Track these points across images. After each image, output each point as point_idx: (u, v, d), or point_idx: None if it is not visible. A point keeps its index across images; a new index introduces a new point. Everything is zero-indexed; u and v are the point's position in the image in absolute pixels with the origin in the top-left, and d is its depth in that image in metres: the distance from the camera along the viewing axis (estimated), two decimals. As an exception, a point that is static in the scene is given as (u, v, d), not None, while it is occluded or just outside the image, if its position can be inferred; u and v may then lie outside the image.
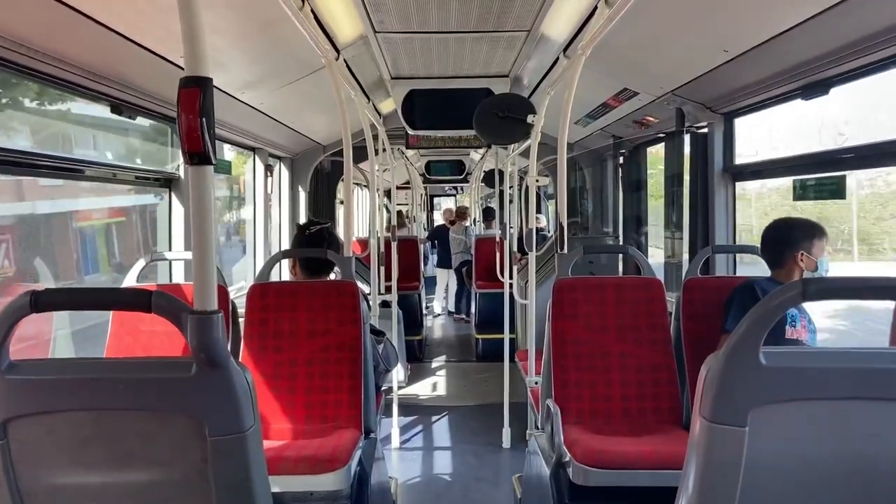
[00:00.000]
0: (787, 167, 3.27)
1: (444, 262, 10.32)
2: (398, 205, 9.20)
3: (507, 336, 5.24)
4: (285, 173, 5.84)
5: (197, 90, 1.15)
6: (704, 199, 3.68)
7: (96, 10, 2.12)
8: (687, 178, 3.89)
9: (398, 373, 5.17)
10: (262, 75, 3.53)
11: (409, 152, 7.86)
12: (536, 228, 3.65)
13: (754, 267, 3.11)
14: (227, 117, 3.93)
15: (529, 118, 3.46)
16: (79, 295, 1.45)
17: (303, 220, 5.64)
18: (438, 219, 15.41)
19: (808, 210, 3.41)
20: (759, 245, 2.81)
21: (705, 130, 3.66)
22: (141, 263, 3.07)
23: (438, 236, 10.59)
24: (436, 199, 18.72)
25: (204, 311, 1.18)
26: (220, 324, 1.20)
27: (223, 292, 2.91)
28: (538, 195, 7.44)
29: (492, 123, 3.64)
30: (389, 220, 5.42)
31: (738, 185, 3.71)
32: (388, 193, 8.16)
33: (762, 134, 3.58)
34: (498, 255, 6.55)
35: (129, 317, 2.92)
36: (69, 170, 3.03)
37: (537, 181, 3.51)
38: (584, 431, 2.54)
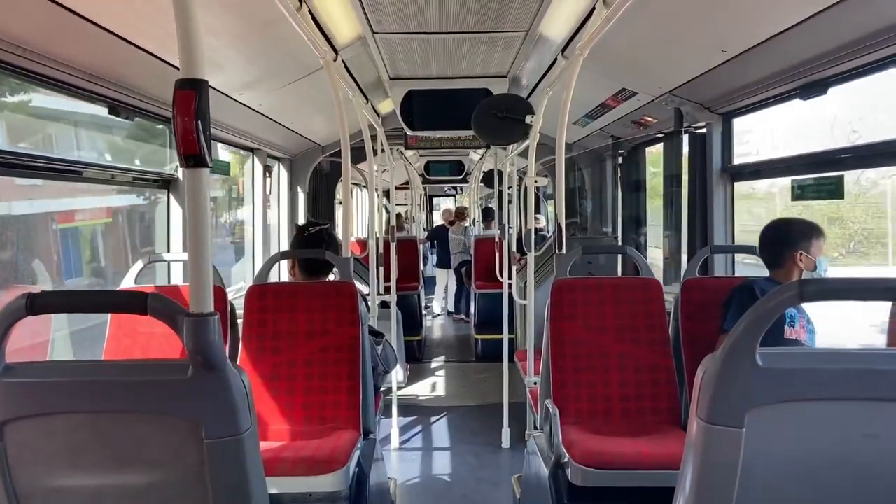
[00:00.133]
0: (785, 167, 3.27)
1: (443, 263, 10.32)
2: (397, 205, 9.21)
3: (506, 336, 5.24)
4: (284, 174, 5.84)
5: (192, 92, 1.15)
6: (703, 200, 3.68)
7: (94, 12, 2.11)
8: (685, 178, 3.90)
9: (397, 373, 5.17)
10: (261, 76, 3.53)
11: (409, 153, 7.86)
12: (535, 229, 3.65)
13: (759, 268, 3.09)
14: (226, 118, 3.93)
15: (528, 118, 3.46)
16: (75, 297, 1.45)
17: (302, 220, 5.64)
18: (437, 219, 15.40)
19: (823, 210, 3.36)
20: (757, 245, 2.80)
21: (704, 130, 3.66)
22: (139, 265, 3.07)
23: (438, 237, 10.59)
24: (435, 200, 18.71)
25: (200, 313, 1.18)
26: (217, 326, 1.20)
27: (221, 294, 2.90)
28: (537, 195, 7.46)
29: (490, 124, 3.64)
30: (388, 221, 5.42)
31: (748, 184, 3.68)
32: (386, 194, 8.15)
33: (774, 129, 3.53)
34: (497, 255, 6.55)
35: (127, 319, 2.92)
36: (68, 171, 3.03)
37: (536, 181, 3.51)
38: (583, 432, 2.54)
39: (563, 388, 2.76)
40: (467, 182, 11.85)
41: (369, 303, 3.60)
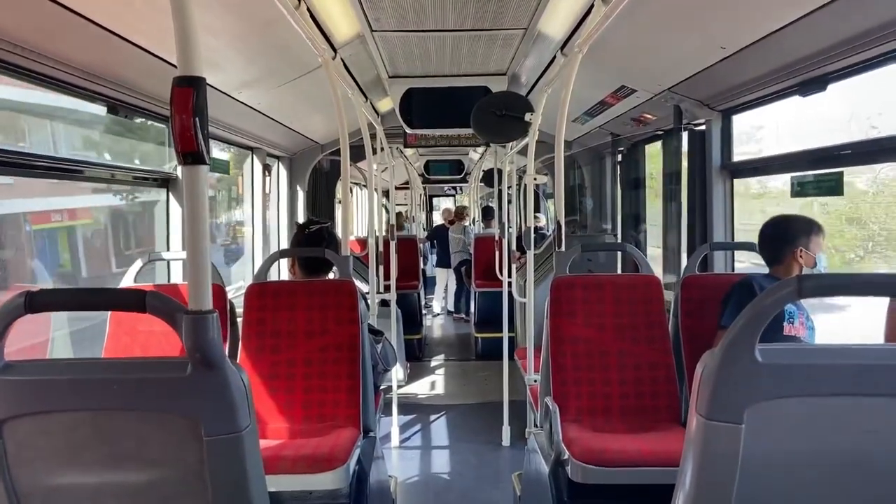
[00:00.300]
0: (785, 164, 3.26)
1: (443, 262, 10.32)
2: (397, 205, 9.21)
3: (506, 334, 5.24)
4: (283, 173, 5.84)
5: (190, 90, 1.15)
6: (702, 197, 3.68)
7: (92, 10, 2.11)
8: (685, 175, 3.89)
9: (397, 372, 5.17)
10: (260, 75, 3.53)
11: (408, 152, 7.85)
12: (535, 227, 3.65)
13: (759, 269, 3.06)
14: (225, 117, 3.93)
15: (527, 116, 3.46)
16: (74, 295, 1.45)
17: (301, 219, 5.64)
18: (437, 219, 15.41)
19: (841, 209, 3.28)
20: (756, 242, 2.80)
21: (703, 127, 3.66)
22: (138, 264, 3.07)
23: (438, 236, 10.59)
24: (435, 200, 18.71)
25: (199, 310, 1.18)
26: (216, 324, 1.20)
27: (220, 292, 2.91)
28: (537, 194, 7.46)
29: (489, 122, 3.64)
30: (388, 221, 5.42)
31: (760, 182, 3.65)
32: (386, 194, 8.15)
33: (787, 125, 3.44)
34: (497, 254, 6.56)
35: (126, 317, 2.92)
36: (67, 170, 3.03)
37: (536, 179, 3.51)
38: (583, 429, 2.54)
39: (563, 385, 2.76)
40: (467, 182, 11.85)
41: (369, 301, 3.60)
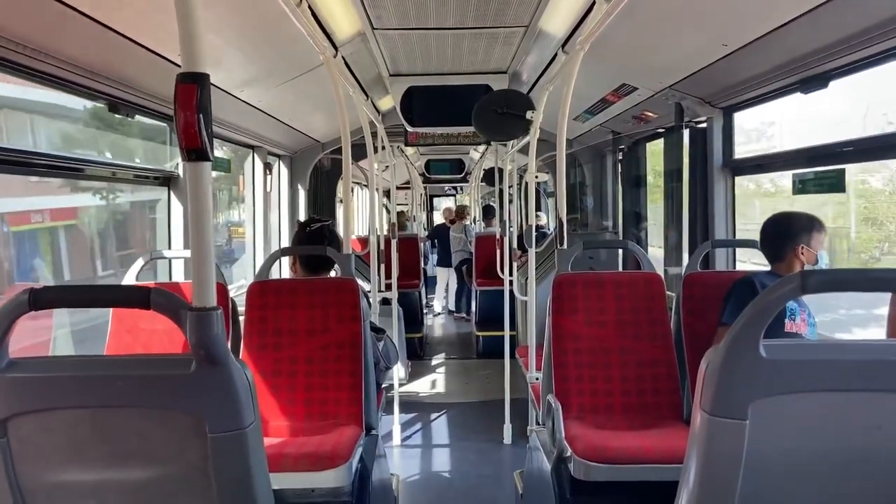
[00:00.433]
0: (786, 161, 3.26)
1: (444, 261, 10.32)
2: (398, 205, 9.20)
3: (507, 333, 5.24)
4: (284, 171, 5.84)
5: (194, 86, 1.14)
6: (704, 194, 3.68)
7: (94, 8, 2.11)
8: (686, 173, 3.89)
9: (399, 370, 5.17)
10: (261, 73, 3.53)
11: (409, 151, 7.85)
12: (536, 226, 3.65)
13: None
14: (226, 115, 3.92)
15: (528, 114, 3.46)
16: (78, 292, 1.45)
17: (303, 218, 5.63)
18: (438, 219, 15.41)
19: (858, 209, 3.21)
20: (758, 239, 2.80)
21: (704, 125, 3.66)
22: (140, 262, 3.07)
23: (438, 235, 10.59)
24: (435, 200, 18.70)
25: (203, 307, 1.18)
26: (220, 320, 1.19)
27: (222, 290, 2.90)
28: (538, 192, 7.45)
29: (491, 120, 3.64)
30: (389, 220, 5.42)
31: (772, 181, 3.61)
32: (387, 194, 8.14)
33: (800, 120, 3.37)
34: (498, 252, 6.56)
35: (128, 315, 2.92)
36: (68, 169, 3.03)
37: (537, 177, 3.51)
38: (585, 426, 2.54)
39: (565, 382, 2.76)
40: (467, 181, 11.84)
41: (370, 299, 3.60)
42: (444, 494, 4.07)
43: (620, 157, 5.58)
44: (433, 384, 6.60)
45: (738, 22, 2.52)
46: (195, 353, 1.19)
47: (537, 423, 3.15)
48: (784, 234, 2.66)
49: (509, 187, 6.35)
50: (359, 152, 4.62)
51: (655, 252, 4.95)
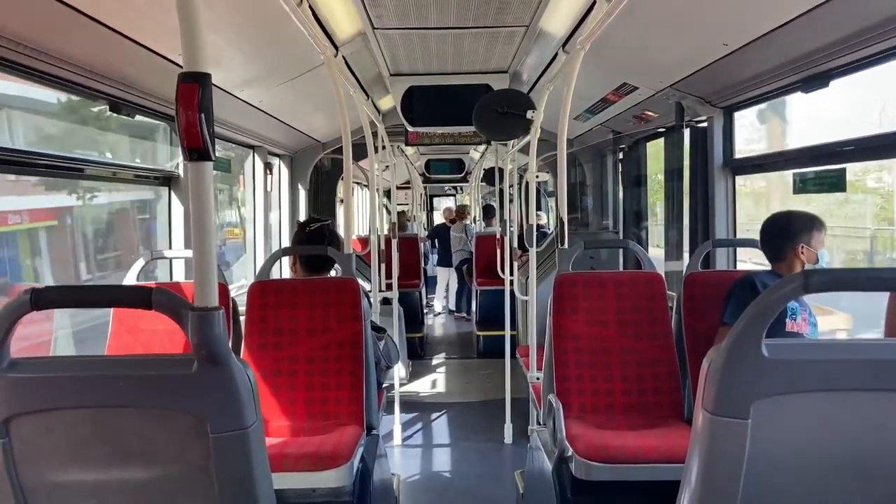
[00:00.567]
0: (787, 160, 3.26)
1: (444, 261, 10.33)
2: (398, 205, 9.21)
3: (507, 332, 5.24)
4: (284, 171, 5.83)
5: (195, 85, 1.14)
6: (704, 194, 3.68)
7: (95, 8, 2.11)
8: (687, 172, 3.89)
9: (399, 370, 5.17)
10: (261, 73, 3.53)
11: (409, 151, 7.85)
12: (537, 225, 3.65)
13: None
14: (227, 115, 3.92)
15: (529, 114, 3.46)
16: (79, 292, 1.45)
17: (303, 218, 5.63)
18: (438, 219, 15.41)
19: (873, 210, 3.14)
20: (759, 238, 2.80)
21: (705, 124, 3.66)
22: (141, 262, 3.07)
23: (439, 235, 10.59)
24: (435, 200, 18.70)
25: (205, 307, 1.18)
26: (221, 320, 1.19)
27: (224, 290, 2.90)
28: (538, 192, 7.45)
29: (491, 119, 3.63)
30: (390, 220, 5.42)
31: (780, 177, 3.58)
32: (387, 194, 8.15)
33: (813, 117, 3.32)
34: (498, 252, 6.55)
35: (129, 316, 2.92)
36: (68, 168, 3.03)
37: (537, 177, 3.51)
38: (586, 426, 2.54)
39: (566, 382, 2.76)
40: (467, 181, 11.83)
41: (371, 299, 3.60)
42: (444, 494, 4.07)
43: (621, 157, 5.58)
44: (434, 384, 6.60)
45: (738, 21, 2.52)
46: (197, 353, 1.19)
47: (538, 423, 3.15)
48: (784, 233, 2.65)
49: (510, 187, 6.34)
50: (359, 152, 4.62)
51: (656, 252, 4.95)
